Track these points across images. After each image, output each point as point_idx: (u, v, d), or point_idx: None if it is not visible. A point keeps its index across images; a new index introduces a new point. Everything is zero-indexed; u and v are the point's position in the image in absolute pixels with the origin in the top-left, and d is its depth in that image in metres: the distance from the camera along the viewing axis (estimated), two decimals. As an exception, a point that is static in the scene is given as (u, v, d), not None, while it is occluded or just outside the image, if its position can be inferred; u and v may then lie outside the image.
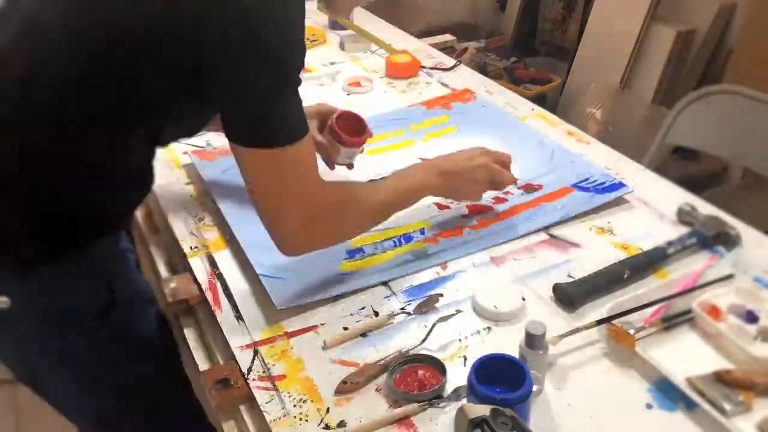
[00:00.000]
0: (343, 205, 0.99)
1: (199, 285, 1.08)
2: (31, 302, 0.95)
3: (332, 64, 1.84)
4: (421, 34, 2.32)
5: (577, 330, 0.92)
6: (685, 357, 0.90)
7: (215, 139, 1.47)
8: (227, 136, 0.89)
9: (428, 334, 0.94)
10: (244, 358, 0.94)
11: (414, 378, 0.88)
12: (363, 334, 0.96)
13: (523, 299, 1.00)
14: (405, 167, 1.14)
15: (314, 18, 2.20)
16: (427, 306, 1.00)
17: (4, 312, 0.94)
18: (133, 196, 1.04)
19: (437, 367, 0.89)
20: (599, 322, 0.92)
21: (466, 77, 1.78)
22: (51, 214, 0.93)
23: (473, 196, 1.17)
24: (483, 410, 0.71)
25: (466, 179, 1.12)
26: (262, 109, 0.85)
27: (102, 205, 0.98)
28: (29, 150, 0.90)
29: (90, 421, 1.15)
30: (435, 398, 0.85)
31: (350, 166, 1.29)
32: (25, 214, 0.92)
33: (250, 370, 0.92)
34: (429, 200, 1.24)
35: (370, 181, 1.26)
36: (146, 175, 1.03)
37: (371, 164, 1.36)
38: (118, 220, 1.05)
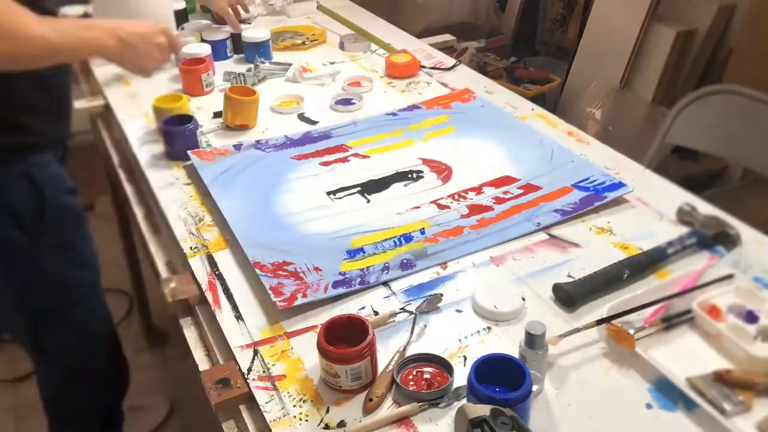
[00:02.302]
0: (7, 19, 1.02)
1: (199, 285, 1.08)
2: None
3: (332, 63, 1.84)
4: (421, 34, 2.32)
5: (577, 330, 0.92)
6: (685, 357, 0.90)
7: (215, 140, 1.47)
8: None
9: (412, 330, 0.95)
10: (244, 358, 0.94)
11: (420, 376, 0.88)
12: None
13: (523, 299, 1.00)
14: (78, 21, 1.21)
15: (314, 18, 2.20)
16: (429, 306, 1.00)
17: None
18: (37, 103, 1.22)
19: (444, 366, 0.89)
20: (599, 322, 0.92)
21: (465, 77, 1.78)
22: None
23: (150, 61, 1.29)
24: (483, 410, 0.71)
25: (145, 44, 1.25)
26: None
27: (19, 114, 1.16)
28: None
29: (21, 326, 1.33)
30: (439, 397, 0.85)
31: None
32: None
33: (250, 370, 0.92)
34: (429, 200, 1.24)
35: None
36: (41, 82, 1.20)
37: (371, 164, 1.37)
38: (38, 130, 1.20)
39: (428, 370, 0.89)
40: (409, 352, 0.92)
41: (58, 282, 1.30)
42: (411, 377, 0.88)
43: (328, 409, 0.86)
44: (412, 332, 0.95)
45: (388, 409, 0.85)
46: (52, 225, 1.24)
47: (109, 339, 1.56)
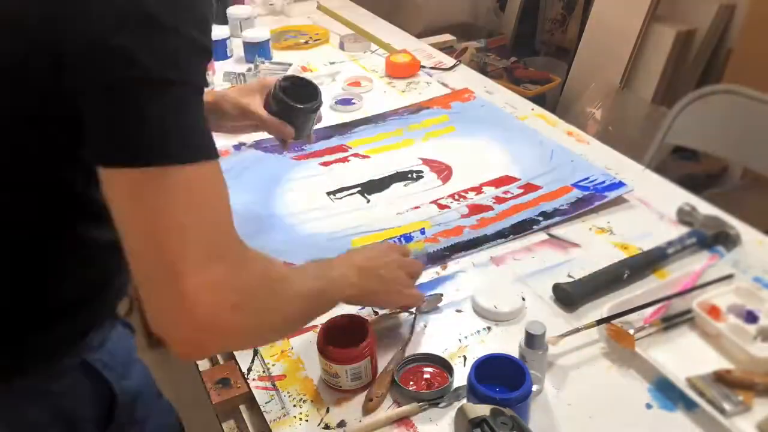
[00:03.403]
0: (271, 278, 0.70)
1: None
2: (15, 417, 0.77)
3: (332, 63, 1.84)
4: (421, 34, 2.32)
5: (577, 330, 0.92)
6: (685, 357, 0.90)
7: (215, 140, 1.46)
8: (106, 161, 0.60)
9: (412, 329, 0.95)
10: (244, 358, 0.94)
11: (420, 376, 0.88)
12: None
13: (523, 299, 1.00)
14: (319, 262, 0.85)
15: (314, 17, 2.20)
16: (429, 306, 1.00)
17: None
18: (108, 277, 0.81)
19: (444, 366, 0.89)
20: (599, 322, 0.92)
21: (465, 77, 1.78)
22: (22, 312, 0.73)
23: (394, 298, 0.94)
24: (483, 410, 0.71)
25: (391, 281, 0.90)
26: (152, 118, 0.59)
27: (78, 292, 0.77)
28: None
29: None
30: (439, 397, 0.85)
31: (309, 139, 1.13)
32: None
33: (250, 370, 0.92)
34: (429, 200, 1.24)
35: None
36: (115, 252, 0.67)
37: (371, 164, 1.37)
38: (100, 306, 0.83)
39: (428, 370, 0.89)
40: (409, 352, 0.92)
41: None
42: (411, 377, 0.88)
43: (328, 409, 0.86)
44: (411, 332, 0.95)
45: (388, 409, 0.85)
46: (123, 411, 0.87)
47: None
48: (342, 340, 0.86)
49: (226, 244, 0.64)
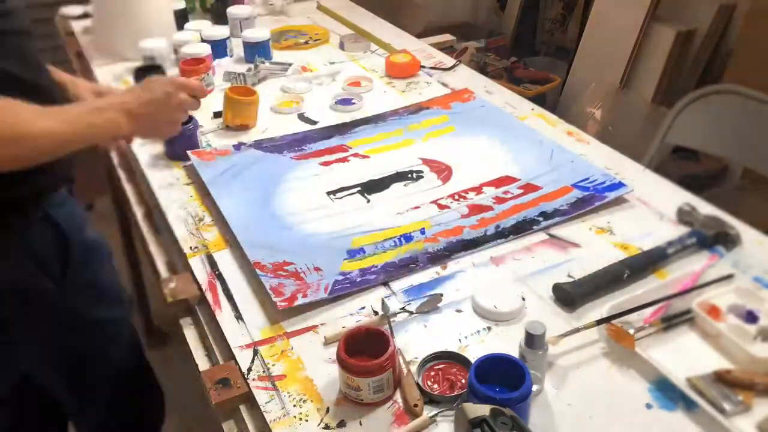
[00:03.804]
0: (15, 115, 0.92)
1: (199, 285, 1.08)
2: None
3: (332, 63, 1.84)
4: (421, 34, 2.32)
5: (577, 330, 0.92)
6: (685, 357, 0.90)
7: (215, 140, 1.47)
8: None
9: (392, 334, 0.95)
10: (244, 358, 0.94)
11: (439, 375, 0.88)
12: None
13: (523, 299, 1.00)
14: (85, 105, 1.11)
15: (314, 17, 2.20)
16: (429, 306, 1.00)
17: None
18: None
19: (459, 361, 0.89)
20: (599, 322, 0.92)
21: (465, 77, 1.78)
22: None
23: (172, 126, 1.18)
24: (483, 410, 0.71)
25: (162, 108, 1.12)
26: None
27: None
28: None
29: (57, 371, 1.25)
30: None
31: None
32: None
33: (250, 370, 0.92)
34: (429, 200, 1.24)
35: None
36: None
37: (371, 164, 1.37)
38: (48, 172, 1.05)
39: (439, 368, 0.89)
40: (414, 352, 0.92)
41: (91, 323, 1.22)
42: (431, 378, 0.88)
43: (328, 409, 0.86)
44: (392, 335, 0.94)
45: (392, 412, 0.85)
46: (77, 265, 1.15)
47: (145, 370, 1.49)
48: (362, 352, 0.86)
49: None
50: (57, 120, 0.98)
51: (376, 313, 1.00)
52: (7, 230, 1.05)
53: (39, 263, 1.08)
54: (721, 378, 0.85)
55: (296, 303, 1.00)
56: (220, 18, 2.02)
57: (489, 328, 0.97)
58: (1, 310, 1.10)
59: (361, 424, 0.83)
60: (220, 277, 1.09)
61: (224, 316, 1.01)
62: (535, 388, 0.82)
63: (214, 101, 1.62)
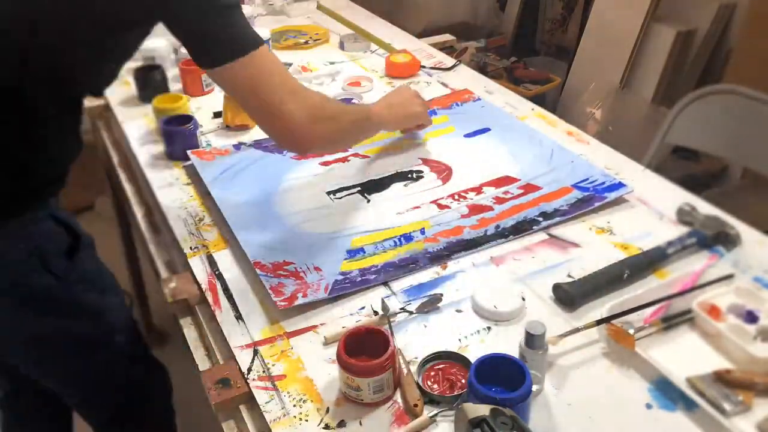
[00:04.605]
0: (331, 105, 1.14)
1: (199, 285, 1.08)
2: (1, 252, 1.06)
3: (332, 63, 1.84)
4: (421, 34, 2.32)
5: (577, 330, 0.92)
6: (685, 357, 0.90)
7: (215, 140, 1.47)
8: (206, 66, 1.01)
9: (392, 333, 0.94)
10: (244, 358, 0.94)
11: (439, 375, 0.88)
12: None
13: (523, 299, 1.00)
14: (367, 109, 1.28)
15: (314, 17, 2.20)
16: (429, 306, 1.00)
17: None
18: (71, 156, 1.15)
19: (459, 360, 0.89)
20: (599, 322, 0.92)
21: (465, 77, 1.78)
22: (10, 176, 1.05)
23: (422, 115, 1.40)
24: (483, 410, 0.71)
25: (405, 105, 1.36)
26: (220, 27, 0.98)
27: (52, 166, 1.10)
28: None
29: (54, 360, 1.24)
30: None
31: None
32: None
33: (250, 370, 0.92)
34: (429, 200, 1.24)
35: None
36: (78, 137, 1.14)
37: (371, 164, 1.37)
38: (63, 176, 1.14)
39: (439, 368, 0.89)
40: (414, 352, 0.92)
41: (93, 313, 1.21)
42: (431, 378, 0.88)
43: (328, 409, 0.86)
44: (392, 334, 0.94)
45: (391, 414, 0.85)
46: (78, 259, 1.16)
47: (146, 353, 1.46)
48: (362, 352, 0.86)
49: (295, 84, 1.05)
50: (351, 117, 1.19)
51: (376, 313, 1.00)
52: (12, 228, 1.06)
53: (44, 260, 1.10)
54: (721, 378, 0.85)
55: (296, 303, 1.00)
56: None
57: (489, 328, 0.97)
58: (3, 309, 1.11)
59: (361, 424, 0.83)
60: (220, 277, 1.09)
61: (224, 316, 1.01)
62: (535, 388, 0.82)
63: (214, 101, 1.62)
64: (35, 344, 1.19)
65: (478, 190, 1.27)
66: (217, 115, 1.55)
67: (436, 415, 0.83)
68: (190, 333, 1.07)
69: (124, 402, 1.38)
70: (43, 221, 1.09)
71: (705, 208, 1.19)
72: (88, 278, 1.19)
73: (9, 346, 1.21)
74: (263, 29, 1.86)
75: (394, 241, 1.14)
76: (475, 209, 1.21)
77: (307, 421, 0.84)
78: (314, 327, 0.98)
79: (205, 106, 1.60)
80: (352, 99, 1.61)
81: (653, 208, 1.22)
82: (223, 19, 0.97)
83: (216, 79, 1.05)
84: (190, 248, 1.16)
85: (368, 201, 1.25)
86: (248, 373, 0.91)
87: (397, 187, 1.29)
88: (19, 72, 0.99)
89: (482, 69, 2.95)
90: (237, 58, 0.98)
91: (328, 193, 1.28)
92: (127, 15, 0.99)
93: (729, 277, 1.00)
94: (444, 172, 1.33)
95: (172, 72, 1.73)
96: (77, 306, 1.18)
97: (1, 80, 0.98)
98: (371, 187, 1.29)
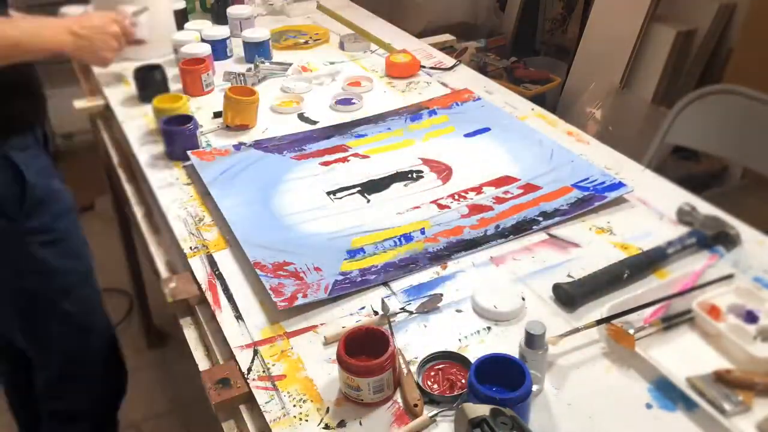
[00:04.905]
0: None
1: (199, 285, 1.08)
2: None
3: (332, 63, 1.84)
4: (421, 34, 2.32)
5: (576, 330, 0.92)
6: (685, 357, 0.90)
7: (215, 140, 1.47)
8: None
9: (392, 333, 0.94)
10: (243, 358, 0.94)
11: (439, 375, 0.88)
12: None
13: (523, 299, 1.00)
14: (34, 19, 1.24)
15: (314, 17, 2.20)
16: (429, 306, 1.00)
17: None
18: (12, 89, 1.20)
19: (459, 360, 0.89)
20: (599, 322, 0.92)
21: (465, 77, 1.78)
22: None
23: (107, 52, 1.33)
24: (483, 410, 0.71)
25: (100, 35, 1.30)
26: None
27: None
28: None
29: (14, 317, 1.30)
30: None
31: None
32: None
33: (249, 370, 0.92)
34: (429, 200, 1.24)
35: None
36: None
37: (371, 164, 1.37)
38: (18, 115, 1.18)
39: (439, 368, 0.89)
40: (414, 352, 0.92)
41: (47, 270, 1.28)
42: (431, 378, 0.88)
43: (328, 409, 0.86)
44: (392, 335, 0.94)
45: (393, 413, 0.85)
46: (36, 210, 1.22)
47: (106, 337, 1.53)
48: (362, 352, 0.86)
49: None
50: (8, 25, 1.14)
51: (376, 313, 1.00)
52: None
53: None
54: (721, 378, 0.85)
55: (296, 303, 1.00)
56: (220, 18, 2.02)
57: (489, 328, 0.97)
58: None
59: (361, 424, 0.84)
60: (220, 277, 1.09)
61: (224, 316, 1.01)
62: (535, 388, 0.82)
63: (214, 101, 1.62)
64: None
65: (478, 190, 1.27)
66: (217, 115, 1.55)
67: (436, 415, 0.83)
68: (190, 333, 1.07)
69: (66, 363, 1.42)
70: None
71: (705, 208, 1.19)
72: (43, 231, 1.22)
73: None
74: (263, 29, 1.86)
75: (394, 241, 1.14)
76: (475, 209, 1.21)
77: (307, 421, 0.84)
78: (314, 327, 0.98)
79: (205, 106, 1.60)
80: (352, 99, 1.61)
81: (653, 208, 1.22)
82: None
83: None
84: (190, 248, 1.16)
85: (368, 201, 1.25)
86: (248, 373, 0.91)
87: (397, 187, 1.29)
88: None
89: (482, 69, 2.95)
90: None
91: (328, 193, 1.28)
92: None
93: (729, 277, 1.00)
94: (444, 172, 1.33)
95: (172, 72, 1.73)
96: (27, 256, 1.21)
97: None
98: (371, 187, 1.29)
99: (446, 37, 2.47)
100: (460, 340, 0.95)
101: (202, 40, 1.82)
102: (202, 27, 1.90)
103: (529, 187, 1.27)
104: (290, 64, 1.79)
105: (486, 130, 1.48)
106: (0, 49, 1.13)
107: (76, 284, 1.39)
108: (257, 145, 1.43)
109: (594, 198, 1.22)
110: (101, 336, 1.52)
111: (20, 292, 1.31)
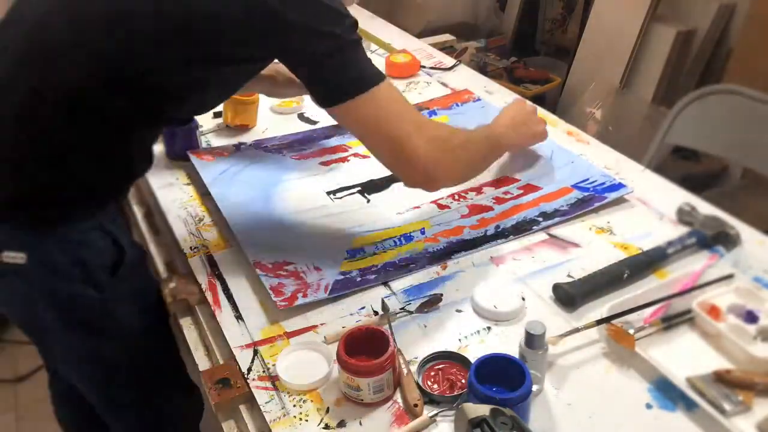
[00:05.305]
0: (457, 135, 1.08)
1: (199, 285, 1.08)
2: (46, 258, 1.00)
3: (332, 64, 1.84)
4: (421, 34, 2.32)
5: (576, 330, 0.92)
6: (685, 357, 0.90)
7: (215, 140, 1.47)
8: (325, 104, 0.98)
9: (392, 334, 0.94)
10: (243, 358, 0.94)
11: (439, 375, 0.88)
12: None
13: (523, 299, 1.00)
14: (488, 133, 1.19)
15: (314, 18, 2.20)
16: (429, 306, 1.00)
17: (20, 267, 0.98)
18: (138, 172, 1.11)
19: (459, 360, 0.89)
20: (599, 322, 0.92)
21: (465, 77, 1.78)
22: (69, 184, 1.00)
23: (544, 134, 1.32)
24: (483, 410, 0.71)
25: (528, 124, 1.29)
26: (339, 66, 0.94)
27: (113, 179, 1.06)
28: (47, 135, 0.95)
29: (88, 378, 1.20)
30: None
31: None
32: (45, 184, 0.98)
33: (249, 369, 0.92)
34: (429, 200, 1.24)
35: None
36: (149, 155, 1.10)
37: (371, 164, 1.36)
38: (124, 190, 1.12)
39: (439, 368, 0.89)
40: (414, 352, 0.92)
41: (130, 332, 1.13)
42: (431, 378, 0.88)
43: (328, 409, 0.86)
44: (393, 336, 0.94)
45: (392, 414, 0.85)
46: (125, 276, 1.08)
47: (185, 378, 1.32)
48: (362, 352, 0.86)
49: (420, 119, 1.02)
50: (478, 146, 1.14)
51: (376, 313, 1.00)
52: (59, 238, 1.01)
53: (87, 273, 1.03)
54: (721, 378, 0.85)
55: (296, 303, 1.00)
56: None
57: (489, 328, 0.97)
58: (42, 317, 1.06)
59: (361, 424, 0.84)
60: (220, 277, 1.09)
61: (224, 316, 1.01)
62: (535, 388, 0.82)
63: (214, 101, 1.62)
64: (65, 353, 1.15)
65: (478, 190, 1.27)
66: (217, 115, 1.55)
67: (436, 415, 0.83)
68: (190, 333, 1.07)
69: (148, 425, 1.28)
70: (90, 232, 1.03)
71: (705, 208, 1.19)
72: (133, 296, 1.12)
73: (46, 345, 1.22)
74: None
75: (394, 241, 1.14)
76: (475, 209, 1.21)
77: (307, 421, 0.84)
78: (314, 327, 0.98)
79: (205, 106, 1.60)
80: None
81: (653, 208, 1.22)
82: (343, 56, 0.94)
83: (335, 117, 1.00)
84: (190, 248, 1.16)
85: (368, 201, 1.25)
86: (248, 373, 0.91)
87: (397, 186, 1.29)
88: (103, 85, 0.93)
89: (482, 69, 2.95)
90: (357, 96, 0.94)
91: (328, 193, 1.28)
92: (241, 53, 0.95)
93: (729, 277, 1.00)
94: (444, 172, 1.33)
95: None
96: (113, 323, 1.10)
97: (85, 89, 0.93)
98: (371, 187, 1.29)
99: (446, 37, 2.47)
100: (460, 340, 0.95)
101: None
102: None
103: (529, 188, 1.27)
104: (290, 64, 1.79)
105: (486, 130, 1.48)
106: (484, 155, 1.15)
107: (159, 343, 1.23)
108: (257, 145, 1.43)
109: (594, 199, 1.22)
110: (182, 381, 1.33)
111: (100, 357, 1.15)
